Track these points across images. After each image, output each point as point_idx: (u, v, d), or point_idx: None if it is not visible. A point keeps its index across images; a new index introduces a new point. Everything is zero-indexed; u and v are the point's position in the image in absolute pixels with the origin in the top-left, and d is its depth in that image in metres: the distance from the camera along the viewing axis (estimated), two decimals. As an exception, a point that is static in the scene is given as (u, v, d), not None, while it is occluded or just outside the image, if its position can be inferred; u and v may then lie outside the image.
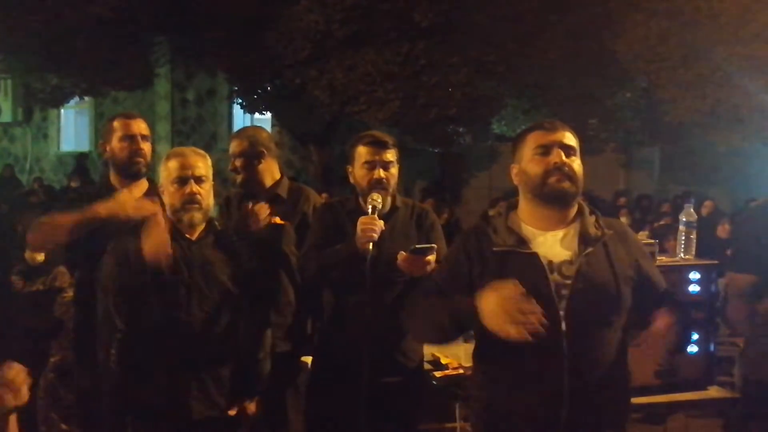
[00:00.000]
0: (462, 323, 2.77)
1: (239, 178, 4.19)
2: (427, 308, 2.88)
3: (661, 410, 4.46)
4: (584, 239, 2.75)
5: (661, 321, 2.67)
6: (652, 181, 17.07)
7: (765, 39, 11.85)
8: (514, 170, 2.85)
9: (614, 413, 2.83)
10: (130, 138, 3.93)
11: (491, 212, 2.91)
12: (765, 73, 11.94)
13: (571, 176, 2.73)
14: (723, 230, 9.63)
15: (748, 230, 3.71)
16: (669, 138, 14.89)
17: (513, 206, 2.88)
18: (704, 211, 11.37)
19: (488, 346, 2.82)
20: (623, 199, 14.80)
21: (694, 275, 4.19)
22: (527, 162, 2.78)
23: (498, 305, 2.52)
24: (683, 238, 4.31)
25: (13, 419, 2.73)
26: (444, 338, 2.96)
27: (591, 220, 2.81)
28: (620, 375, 2.83)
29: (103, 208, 3.58)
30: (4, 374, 2.59)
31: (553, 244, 2.76)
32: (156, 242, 3.32)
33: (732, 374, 5.79)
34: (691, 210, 4.37)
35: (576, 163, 2.76)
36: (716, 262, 4.29)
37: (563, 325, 2.66)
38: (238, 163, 4.16)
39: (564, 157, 2.72)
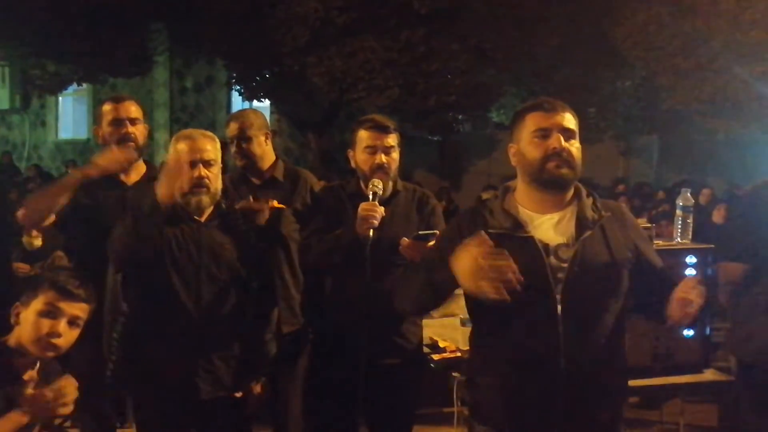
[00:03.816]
0: (440, 292, 2.77)
1: (238, 161, 4.20)
2: (407, 278, 2.96)
3: (658, 393, 4.49)
4: (581, 222, 2.71)
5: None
6: (651, 169, 17.07)
7: (763, 26, 11.82)
8: (512, 150, 2.80)
9: (611, 395, 2.82)
10: (118, 122, 3.94)
11: (485, 195, 2.89)
12: (764, 60, 11.93)
13: (569, 162, 2.68)
14: (718, 215, 9.62)
15: (739, 218, 3.72)
16: (667, 126, 14.88)
17: (510, 189, 2.85)
18: (702, 199, 11.36)
19: (485, 329, 2.82)
20: (622, 186, 14.81)
21: (691, 259, 4.21)
22: (525, 144, 2.73)
23: (471, 263, 2.46)
24: (680, 222, 4.32)
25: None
26: (420, 307, 3.06)
27: (588, 202, 2.77)
28: (617, 358, 2.82)
29: (93, 167, 3.72)
30: (60, 385, 2.64)
31: (549, 228, 2.72)
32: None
33: (728, 359, 5.82)
34: (688, 195, 4.36)
35: (575, 147, 2.71)
36: (712, 246, 4.30)
37: (559, 309, 2.64)
38: (233, 147, 4.17)
39: (563, 142, 2.67)
